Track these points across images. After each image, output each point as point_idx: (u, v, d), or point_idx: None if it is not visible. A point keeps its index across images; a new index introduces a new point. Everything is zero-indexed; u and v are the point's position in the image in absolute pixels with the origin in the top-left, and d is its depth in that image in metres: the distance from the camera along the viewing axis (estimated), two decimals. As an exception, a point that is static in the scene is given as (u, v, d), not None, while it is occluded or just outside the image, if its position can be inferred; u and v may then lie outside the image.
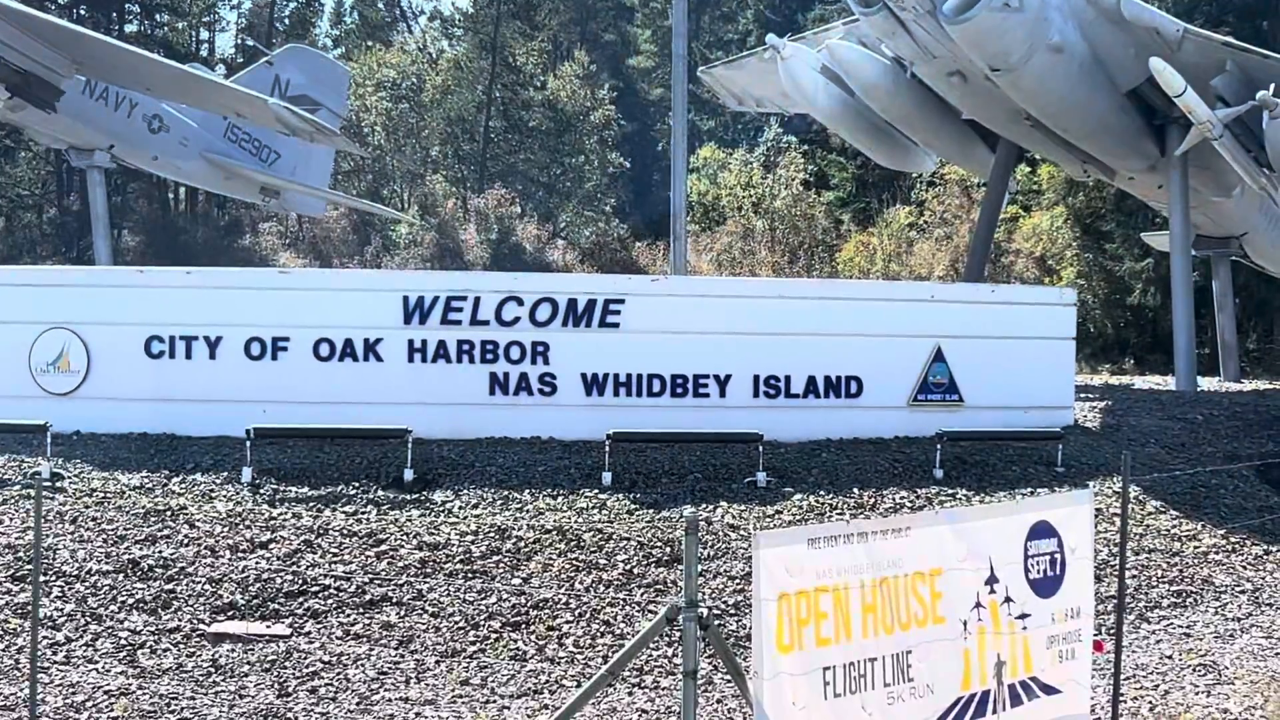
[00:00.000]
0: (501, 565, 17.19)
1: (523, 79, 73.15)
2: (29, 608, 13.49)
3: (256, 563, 16.95)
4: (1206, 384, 31.27)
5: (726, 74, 38.17)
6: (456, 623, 15.96)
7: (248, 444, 19.44)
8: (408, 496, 18.93)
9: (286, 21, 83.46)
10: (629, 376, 21.46)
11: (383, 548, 17.42)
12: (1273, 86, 25.88)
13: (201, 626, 15.63)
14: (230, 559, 16.99)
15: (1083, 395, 25.68)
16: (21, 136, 55.14)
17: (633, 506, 18.86)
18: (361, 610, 16.15)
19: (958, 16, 25.04)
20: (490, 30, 75.03)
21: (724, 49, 68.83)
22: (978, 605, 11.21)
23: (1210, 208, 31.56)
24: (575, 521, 18.25)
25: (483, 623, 16.00)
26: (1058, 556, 11.88)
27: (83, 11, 64.95)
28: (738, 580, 16.75)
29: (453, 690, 14.49)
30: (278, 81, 40.68)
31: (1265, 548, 19.58)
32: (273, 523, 17.89)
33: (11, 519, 17.61)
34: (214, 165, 39.50)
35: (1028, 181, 53.96)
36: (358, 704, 14.04)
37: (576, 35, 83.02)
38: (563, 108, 71.76)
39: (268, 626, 15.71)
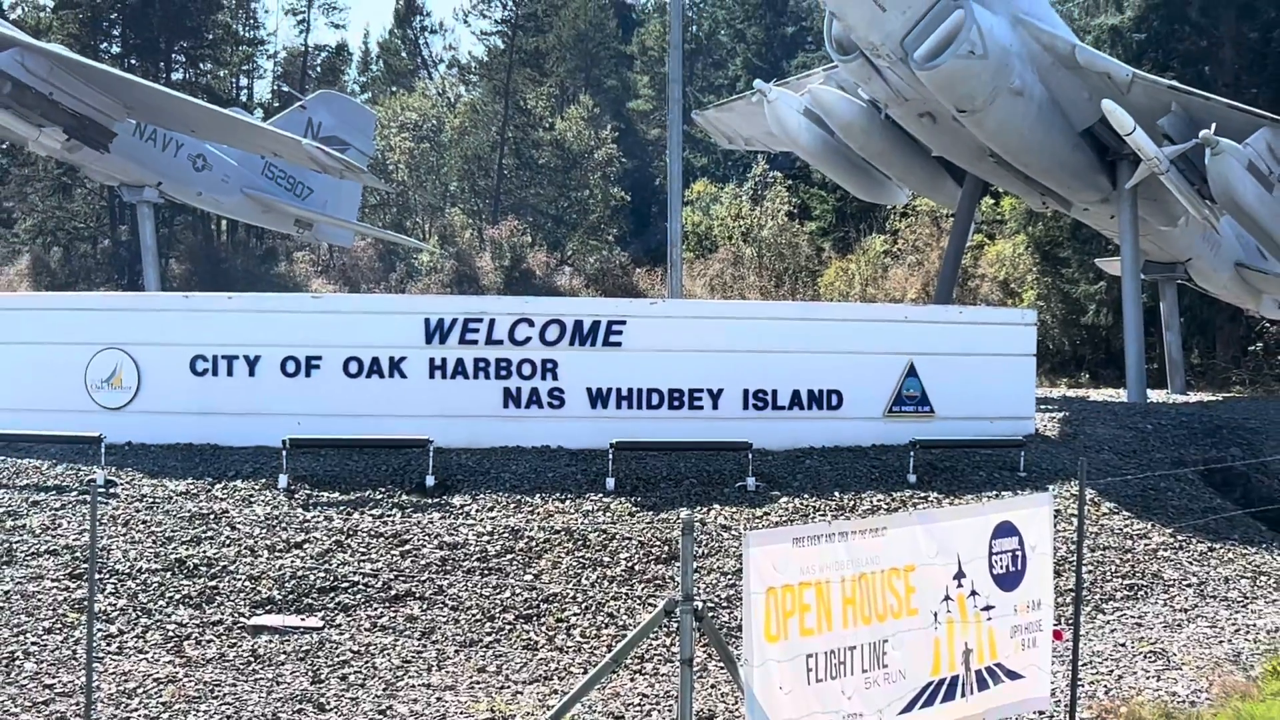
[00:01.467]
0: (514, 563, 17.19)
1: (533, 121, 73.21)
2: (85, 603, 13.48)
3: (292, 561, 16.94)
4: (1155, 396, 31.26)
5: (718, 116, 38.21)
6: (474, 615, 15.95)
7: (284, 453, 19.44)
8: (429, 500, 18.92)
9: (318, 69, 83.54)
10: (630, 391, 21.45)
11: (406, 547, 17.41)
12: (1214, 126, 25.91)
13: (242, 619, 15.62)
14: (268, 558, 16.98)
15: (1043, 407, 25.68)
16: (78, 174, 55.16)
17: (634, 509, 18.84)
18: (387, 604, 16.14)
19: (928, 63, 25.07)
20: (503, 77, 75.18)
21: (715, 93, 68.88)
22: (947, 598, 11.21)
23: (1158, 236, 31.55)
24: (581, 523, 18.24)
25: (498, 615, 15.99)
26: (1019, 553, 11.88)
27: (133, 61, 64.98)
28: (730, 576, 16.75)
29: (471, 677, 14.49)
30: (310, 124, 40.73)
31: (1209, 545, 19.58)
32: (306, 525, 17.89)
33: (69, 522, 17.62)
34: (253, 200, 39.54)
35: (991, 212, 54.01)
36: (384, 690, 14.03)
37: (581, 81, 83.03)
38: (569, 147, 71.82)
39: (302, 619, 15.70)
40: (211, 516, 17.98)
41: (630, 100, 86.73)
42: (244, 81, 77.72)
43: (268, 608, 15.95)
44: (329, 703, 13.64)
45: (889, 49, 25.60)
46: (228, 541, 17.32)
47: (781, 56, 69.72)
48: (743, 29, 79.52)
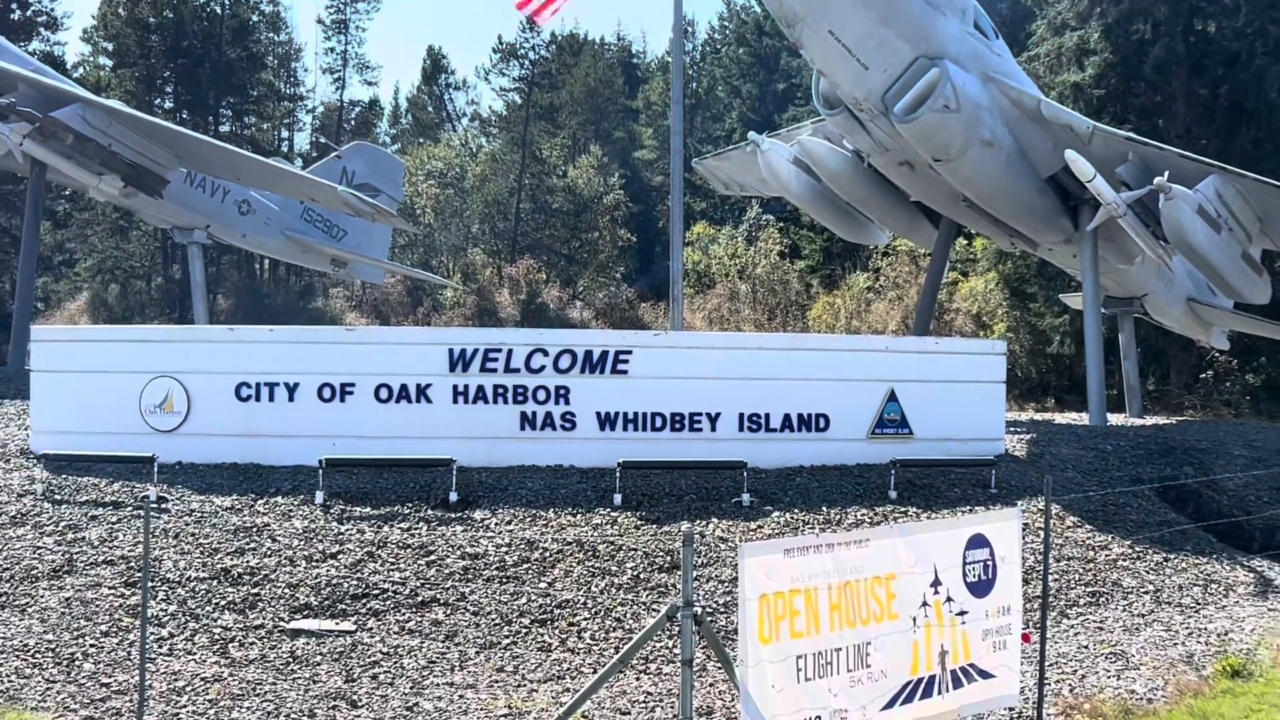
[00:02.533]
0: (530, 572, 17.17)
1: (547, 169, 73.36)
2: (139, 608, 13.48)
3: (327, 570, 16.94)
4: (1115, 419, 31.20)
5: (715, 164, 38.29)
6: (493, 620, 15.94)
7: (320, 472, 19.45)
8: (452, 515, 18.91)
9: (352, 122, 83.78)
10: (636, 415, 21.44)
11: (432, 557, 17.40)
12: (1167, 173, 25.93)
13: (281, 624, 15.62)
14: (305, 567, 16.98)
15: (1012, 429, 25.65)
16: (133, 218, 55.35)
17: (639, 523, 18.83)
18: (414, 610, 16.13)
19: (906, 116, 25.14)
20: (520, 129, 75.36)
21: (713, 143, 68.98)
22: (925, 604, 11.20)
23: (1116, 273, 31.58)
24: (591, 535, 18.23)
25: (515, 620, 15.97)
26: (991, 563, 11.86)
27: (185, 115, 65.21)
28: (726, 584, 16.72)
29: (490, 676, 14.47)
30: (345, 172, 40.85)
31: (1164, 556, 19.54)
32: (341, 537, 17.89)
33: (124, 535, 17.63)
34: (293, 241, 39.64)
35: (965, 252, 54.05)
36: (411, 688, 14.02)
37: (592, 133, 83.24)
38: (580, 192, 71.95)
39: (336, 624, 15.69)
40: (254, 529, 17.99)
41: (636, 150, 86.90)
42: (285, 134, 77.93)
43: (305, 613, 15.94)
44: (361, 700, 13.63)
45: (871, 104, 25.68)
46: (269, 552, 17.32)
47: (773, 111, 69.85)
48: (738, 85, 79.72)
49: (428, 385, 21.19)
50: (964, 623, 11.54)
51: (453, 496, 19.44)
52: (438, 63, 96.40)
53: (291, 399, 21.07)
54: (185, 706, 13.34)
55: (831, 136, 29.96)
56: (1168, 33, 49.91)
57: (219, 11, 68.79)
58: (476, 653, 15.13)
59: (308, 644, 15.12)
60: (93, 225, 64.63)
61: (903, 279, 55.84)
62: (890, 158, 27.84)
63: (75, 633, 15.07)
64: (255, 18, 71.95)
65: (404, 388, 21.16)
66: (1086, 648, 15.96)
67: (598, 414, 21.38)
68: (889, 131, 26.15)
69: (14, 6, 62.10)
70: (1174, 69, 50.05)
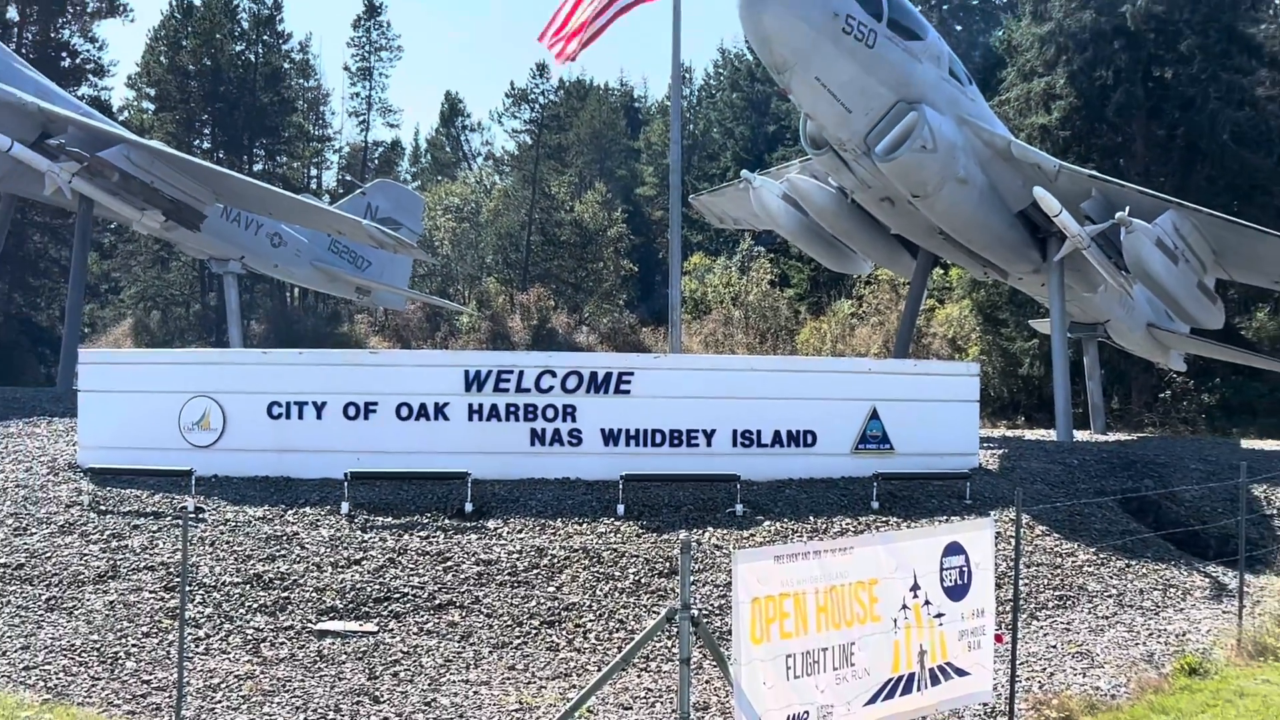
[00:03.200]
0: (539, 577, 17.16)
1: (555, 204, 73.48)
2: (177, 611, 13.47)
3: (352, 575, 16.93)
4: (1080, 435, 31.20)
5: (711, 200, 38.36)
6: (505, 622, 15.92)
7: (345, 484, 19.45)
8: (467, 524, 18.90)
9: (376, 161, 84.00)
10: (637, 431, 21.43)
11: (448, 563, 17.39)
12: (1128, 208, 26.01)
13: (309, 625, 15.60)
14: (331, 573, 16.97)
15: (985, 445, 25.65)
16: (173, 249, 55.41)
17: (640, 531, 18.82)
18: (432, 612, 16.12)
19: (887, 156, 25.21)
20: (531, 168, 75.54)
21: (709, 181, 69.09)
22: (905, 607, 11.18)
23: (1081, 301, 31.61)
24: (596, 543, 18.22)
25: (525, 621, 15.95)
26: (966, 569, 11.86)
27: (221, 154, 65.38)
28: (721, 588, 16.71)
29: (502, 674, 14.45)
30: (369, 207, 40.97)
31: (1127, 562, 19.53)
32: (364, 544, 17.88)
33: (164, 543, 17.63)
34: (321, 271, 39.72)
35: (941, 281, 54.12)
36: (429, 685, 14.00)
37: (596, 171, 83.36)
38: (586, 226, 72.05)
39: (360, 625, 15.68)
40: (284, 538, 17.98)
41: (637, 187, 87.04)
42: (314, 172, 78.10)
43: (331, 615, 15.93)
44: (383, 696, 13.61)
45: (854, 144, 25.75)
46: (298, 559, 17.32)
47: (764, 150, 69.95)
48: (732, 127, 79.89)
49: (445, 404, 21.20)
50: (941, 624, 11.52)
51: (468, 507, 19.44)
52: (455, 106, 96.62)
53: (319, 417, 21.09)
54: (220, 702, 13.32)
55: (818, 174, 30.04)
56: (1128, 79, 50.13)
57: (253, 59, 69.01)
58: (490, 652, 15.11)
59: (334, 644, 15.11)
60: (135, 256, 64.76)
61: (884, 306, 55.93)
62: (872, 194, 27.91)
63: (118, 634, 15.06)
64: (286, 65, 72.17)
65: (423, 406, 21.17)
66: (1055, 647, 15.93)
67: (602, 431, 21.38)
68: (871, 170, 26.22)
69: (64, 55, 62.30)
70: (1134, 112, 50.23)
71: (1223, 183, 48.38)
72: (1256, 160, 50.62)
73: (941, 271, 51.89)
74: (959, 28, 72.32)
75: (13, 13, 61.34)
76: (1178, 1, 50.68)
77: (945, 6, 75.93)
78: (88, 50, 64.14)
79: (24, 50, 56.64)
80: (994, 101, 45.47)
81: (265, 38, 70.83)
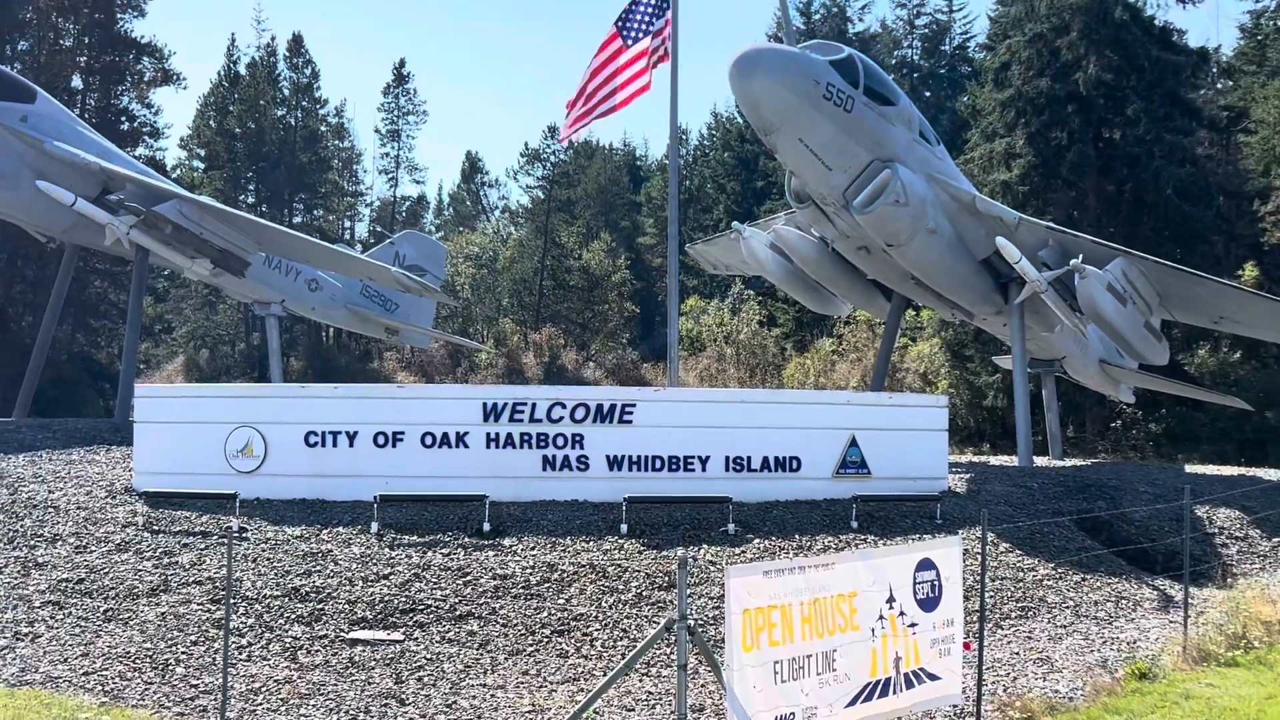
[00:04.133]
0: (550, 590, 17.13)
1: (565, 252, 73.69)
2: (222, 621, 13.45)
3: (380, 589, 16.90)
4: (1040, 461, 31.15)
5: (705, 249, 38.42)
6: (519, 631, 15.89)
7: (375, 506, 19.45)
8: (485, 542, 18.88)
9: (404, 214, 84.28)
10: (639, 457, 21.42)
11: (468, 578, 17.37)
12: (1081, 256, 26.05)
13: (342, 634, 15.57)
14: (362, 586, 16.95)
15: (954, 470, 25.61)
16: (220, 294, 55.48)
17: (642, 548, 18.79)
18: (453, 622, 16.08)
19: (864, 209, 25.25)
20: (543, 220, 75.76)
21: (703, 231, 69.17)
22: (881, 617, 11.18)
23: (1040, 339, 31.60)
24: (602, 559, 18.19)
25: (537, 630, 15.92)
26: (936, 583, 11.85)
27: (264, 208, 65.60)
28: (715, 600, 16.67)
29: (517, 679, 14.41)
30: (397, 255, 41.03)
31: (1082, 576, 19.48)
32: (392, 561, 17.86)
33: (211, 560, 17.61)
34: (353, 313, 39.74)
35: (913, 321, 54.14)
36: (450, 688, 13.97)
37: (602, 222, 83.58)
38: (593, 272, 72.20)
39: (388, 634, 15.65)
40: (319, 555, 17.97)
41: (639, 237, 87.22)
42: (347, 223, 78.38)
43: (362, 625, 15.90)
44: (408, 699, 13.57)
45: (834, 199, 25.81)
46: (331, 574, 17.30)
47: (753, 204, 70.05)
48: (724, 183, 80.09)
49: (465, 433, 21.20)
50: (914, 633, 11.50)
51: (485, 527, 19.42)
52: (474, 164, 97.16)
53: (351, 445, 21.09)
54: (261, 704, 13.29)
55: (801, 226, 30.09)
56: (1080, 139, 50.36)
57: (293, 123, 69.33)
58: (505, 658, 15.08)
59: (364, 651, 15.07)
60: (186, 299, 64.94)
61: (861, 344, 55.92)
62: (850, 243, 27.95)
63: (169, 642, 15.03)
64: (323, 128, 72.53)
65: (445, 435, 21.18)
66: (1018, 654, 15.89)
67: (607, 457, 21.37)
68: (849, 222, 26.27)
69: (123, 119, 62.61)
70: (1086, 170, 50.42)
71: (1166, 233, 48.62)
72: (1197, 213, 50.95)
73: (913, 313, 51.91)
74: (928, 94, 72.67)
75: (77, 81, 61.75)
76: (1124, 69, 51.03)
77: (915, 75, 76.34)
78: (144, 115, 64.41)
79: (87, 115, 56.92)
80: (960, 160, 45.65)
81: (304, 103, 71.23)
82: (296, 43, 71.93)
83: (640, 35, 26.94)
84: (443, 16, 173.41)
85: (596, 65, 27.04)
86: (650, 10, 26.87)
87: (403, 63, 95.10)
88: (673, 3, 26.72)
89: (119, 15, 62.85)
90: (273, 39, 77.99)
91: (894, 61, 74.76)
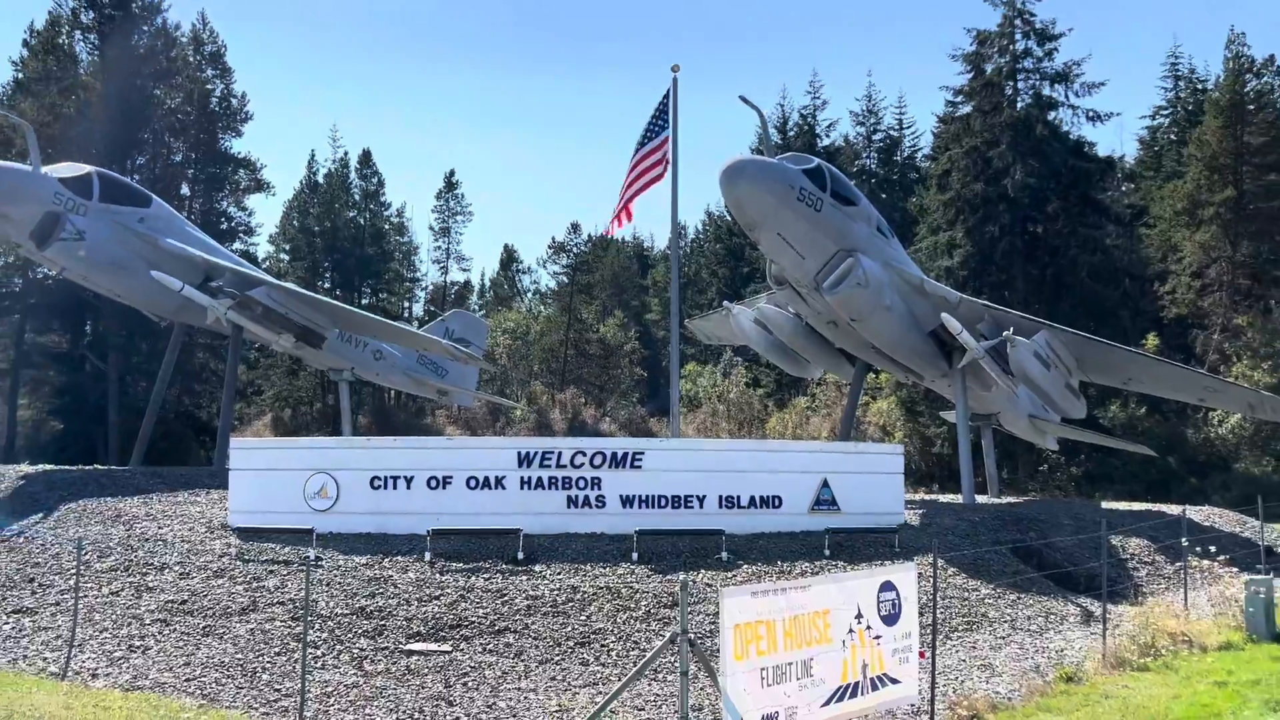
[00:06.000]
0: (574, 608, 17.03)
1: (585, 327, 73.96)
2: (301, 635, 13.38)
3: (432, 608, 16.82)
4: (981, 499, 30.98)
5: (700, 324, 38.56)
6: (548, 642, 15.79)
7: (427, 538, 19.40)
8: (519, 568, 18.80)
9: (453, 295, 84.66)
10: (648, 497, 21.35)
11: (505, 598, 17.28)
12: (1012, 329, 26.12)
13: (400, 646, 15.48)
14: (417, 606, 16.87)
15: (909, 506, 25.49)
16: (301, 362, 55.63)
17: (650, 573, 18.69)
18: (493, 635, 15.99)
19: (832, 291, 25.39)
20: (567, 300, 76.12)
21: (699, 309, 69.33)
22: (850, 631, 11.11)
23: (979, 397, 31.54)
24: (616, 582, 18.09)
25: (563, 642, 15.82)
26: (896, 601, 11.78)
27: (338, 291, 65.93)
28: (711, 617, 16.55)
29: (545, 683, 14.31)
30: (447, 330, 41.13)
31: (1017, 595, 19.33)
32: (442, 584, 17.78)
33: (292, 584, 17.55)
34: (411, 378, 39.78)
35: (874, 382, 54.05)
36: (490, 692, 13.86)
37: (616, 302, 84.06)
38: (608, 343, 72.45)
39: (438, 646, 15.55)
40: (381, 579, 17.90)
41: (646, 314, 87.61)
42: (406, 304, 78.58)
43: (416, 638, 15.81)
44: (455, 700, 13.47)
45: (807, 282, 25.95)
46: (391, 595, 17.22)
47: (741, 286, 70.29)
48: (716, 269, 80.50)
49: (502, 477, 21.16)
50: (878, 644, 11.42)
51: (520, 555, 19.34)
52: (511, 255, 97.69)
53: (408, 487, 21.05)
54: (333, 705, 13.19)
55: (780, 304, 30.22)
56: (1009, 233, 50.77)
57: (362, 222, 69.93)
58: (536, 666, 14.96)
59: (418, 660, 14.97)
60: (273, 367, 65.04)
61: (831, 401, 55.86)
62: (821, 318, 28.05)
63: (256, 653, 14.95)
64: (387, 226, 73.14)
65: (486, 479, 21.14)
66: (964, 661, 15.74)
67: (620, 497, 21.31)
68: (820, 301, 26.39)
69: (223, 220, 63.38)
70: (1014, 257, 50.73)
71: (1082, 309, 48.82)
72: (1107, 292, 51.27)
73: (874, 375, 51.92)
74: (883, 195, 73.08)
75: (185, 189, 62.55)
76: (1045, 175, 51.54)
77: (873, 180, 76.95)
78: (240, 216, 65.13)
79: (193, 216, 57.49)
80: (910, 250, 45.88)
81: (371, 206, 71.97)
82: (366, 156, 72.80)
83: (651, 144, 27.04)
84: (486, 134, 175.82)
85: (631, 178, 27.06)
86: (657, 126, 27.09)
87: (452, 173, 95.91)
88: (671, 122, 26.97)
89: (220, 135, 63.88)
90: (346, 153, 78.83)
91: (855, 169, 75.32)
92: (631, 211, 26.86)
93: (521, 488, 21.16)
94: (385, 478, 21.07)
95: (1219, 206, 54.81)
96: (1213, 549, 21.62)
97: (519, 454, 21.37)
